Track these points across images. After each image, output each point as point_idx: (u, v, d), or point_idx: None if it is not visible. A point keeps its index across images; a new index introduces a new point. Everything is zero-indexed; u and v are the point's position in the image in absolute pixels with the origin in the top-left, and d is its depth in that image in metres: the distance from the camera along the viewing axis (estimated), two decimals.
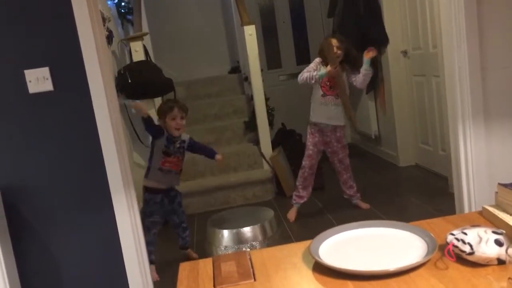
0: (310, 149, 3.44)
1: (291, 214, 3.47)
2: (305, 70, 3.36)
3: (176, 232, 3.06)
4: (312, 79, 3.29)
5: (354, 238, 1.25)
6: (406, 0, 4.10)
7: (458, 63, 2.12)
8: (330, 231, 1.27)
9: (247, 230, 2.71)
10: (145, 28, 4.45)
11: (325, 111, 3.36)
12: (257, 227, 2.74)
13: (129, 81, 3.69)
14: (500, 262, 1.04)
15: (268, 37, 5.79)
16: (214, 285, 1.13)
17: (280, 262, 1.20)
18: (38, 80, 1.91)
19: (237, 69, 5.57)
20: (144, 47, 4.02)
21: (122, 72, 3.75)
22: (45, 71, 1.91)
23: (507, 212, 1.23)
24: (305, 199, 3.49)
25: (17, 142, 1.95)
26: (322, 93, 3.35)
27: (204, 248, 3.02)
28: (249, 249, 2.58)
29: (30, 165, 1.97)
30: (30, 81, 1.91)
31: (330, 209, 3.59)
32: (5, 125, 1.93)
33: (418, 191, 3.73)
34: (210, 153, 3.11)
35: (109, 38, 3.69)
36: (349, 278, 1.06)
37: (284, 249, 1.29)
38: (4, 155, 1.95)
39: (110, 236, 2.02)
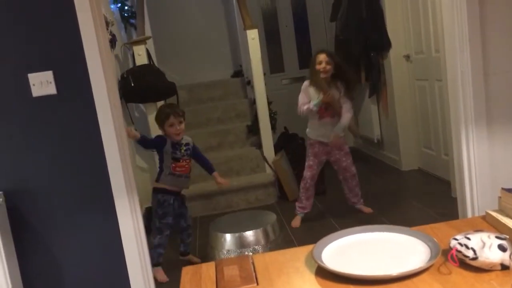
0: (310, 159, 3.43)
1: (295, 222, 3.46)
2: (300, 103, 3.37)
3: (180, 237, 3.07)
4: (312, 111, 3.32)
5: (357, 242, 1.25)
6: (408, 4, 4.10)
7: (460, 68, 2.12)
8: (333, 236, 1.27)
9: (249, 234, 2.71)
10: (148, 32, 4.46)
11: (322, 131, 3.37)
12: (259, 231, 2.73)
13: (132, 84, 3.70)
14: (504, 267, 1.03)
15: (270, 41, 5.80)
16: None
17: (283, 266, 1.20)
18: (42, 83, 1.92)
19: (240, 73, 5.58)
20: (147, 51, 4.03)
21: (125, 75, 3.76)
22: (48, 75, 1.92)
23: (511, 217, 1.22)
24: (309, 210, 3.49)
25: (20, 145, 1.96)
26: (318, 116, 3.34)
27: (206, 252, 3.02)
28: (251, 253, 2.58)
29: (33, 167, 1.97)
30: (33, 85, 1.92)
31: (333, 213, 3.59)
32: (9, 128, 1.94)
33: (421, 196, 3.72)
34: (209, 168, 3.17)
35: (112, 42, 3.70)
36: (351, 282, 1.06)
37: (287, 253, 1.29)
38: (7, 158, 1.96)
39: (113, 239, 2.02)
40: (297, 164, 3.99)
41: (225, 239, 2.73)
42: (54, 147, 1.97)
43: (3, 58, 1.91)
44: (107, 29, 3.38)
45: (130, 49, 4.21)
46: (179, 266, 2.69)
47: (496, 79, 2.12)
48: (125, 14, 4.61)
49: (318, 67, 3.26)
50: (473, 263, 1.05)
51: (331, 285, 1.07)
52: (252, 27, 4.12)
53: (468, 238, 1.08)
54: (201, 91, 5.15)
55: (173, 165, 2.92)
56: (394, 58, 4.31)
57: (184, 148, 2.96)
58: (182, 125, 2.93)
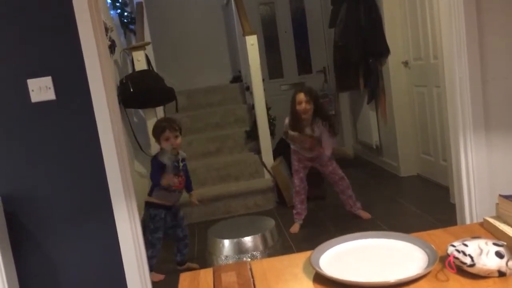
0: (295, 165, 3.49)
1: (294, 228, 3.47)
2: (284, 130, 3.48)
3: (177, 246, 3.06)
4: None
5: (354, 249, 1.25)
6: (407, 10, 4.12)
7: (458, 74, 2.13)
8: (331, 242, 1.27)
9: (248, 240, 2.70)
10: (147, 37, 4.47)
11: (304, 152, 3.43)
12: (258, 237, 2.73)
13: (131, 90, 3.70)
14: (501, 274, 1.03)
15: (269, 47, 5.82)
16: None
17: (281, 273, 1.20)
18: (41, 89, 1.92)
19: (239, 79, 5.59)
20: (146, 56, 4.04)
21: (124, 81, 3.76)
22: (47, 81, 1.92)
23: (508, 224, 1.23)
24: (305, 214, 3.50)
25: (19, 150, 1.96)
26: (295, 148, 3.44)
27: (204, 257, 3.01)
28: (249, 259, 2.58)
29: (32, 172, 1.97)
30: (32, 90, 1.92)
31: (331, 219, 3.58)
32: (8, 133, 1.94)
33: (419, 202, 3.72)
34: (189, 186, 3.16)
35: (112, 47, 3.71)
36: None
37: (285, 259, 1.29)
38: (5, 163, 1.96)
39: (111, 245, 2.02)
40: None
41: (223, 245, 2.72)
42: (53, 152, 1.97)
43: (3, 63, 1.91)
44: (107, 34, 3.39)
45: (129, 55, 4.22)
46: (177, 272, 2.68)
47: (494, 86, 2.13)
48: (125, 20, 4.63)
49: (298, 107, 3.30)
50: (470, 270, 1.05)
51: None
52: (251, 33, 4.13)
53: (466, 245, 1.08)
54: (200, 96, 5.16)
55: None
56: (393, 65, 4.32)
57: (181, 164, 2.98)
58: (179, 139, 2.93)
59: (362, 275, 1.10)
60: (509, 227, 1.21)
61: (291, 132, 3.39)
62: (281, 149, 4.51)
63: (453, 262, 1.07)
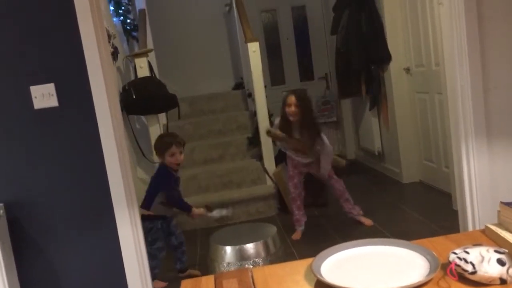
0: (290, 170, 3.50)
1: (296, 235, 3.46)
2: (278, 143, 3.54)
3: (175, 255, 3.05)
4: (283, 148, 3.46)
5: (356, 256, 1.25)
6: (408, 17, 4.13)
7: (460, 82, 2.14)
8: (332, 249, 1.27)
9: (250, 247, 2.69)
10: (150, 44, 4.50)
11: (299, 159, 3.44)
12: (260, 244, 2.72)
13: (134, 97, 3.72)
14: (503, 281, 1.03)
15: (271, 53, 5.84)
16: None
17: (282, 280, 1.20)
18: (44, 96, 1.93)
19: (241, 85, 5.60)
20: (149, 63, 4.06)
21: (126, 88, 3.78)
22: (50, 87, 1.93)
23: (510, 231, 1.22)
24: (304, 219, 3.49)
25: (21, 156, 1.96)
26: (290, 154, 3.45)
27: (206, 264, 3.01)
28: (251, 266, 2.57)
29: (34, 179, 1.98)
30: (35, 97, 1.93)
31: (334, 226, 3.58)
32: (10, 139, 1.95)
33: (421, 208, 3.71)
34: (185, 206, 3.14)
35: (114, 54, 3.73)
36: None
37: (286, 266, 1.29)
38: (8, 170, 1.96)
39: (113, 251, 2.02)
40: None
41: (225, 252, 2.72)
42: (55, 159, 1.97)
43: (6, 70, 1.92)
44: (109, 41, 3.42)
45: (132, 62, 4.24)
46: (178, 279, 2.68)
47: (496, 94, 2.13)
48: (128, 27, 4.66)
49: (287, 109, 3.30)
50: (472, 277, 1.05)
51: None
52: (253, 40, 4.15)
53: (467, 252, 1.08)
54: (202, 103, 5.17)
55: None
56: (395, 71, 4.32)
57: (179, 180, 3.03)
58: (182, 155, 2.94)
59: (363, 283, 1.09)
60: (510, 235, 1.20)
61: (273, 130, 3.39)
62: (283, 156, 4.50)
63: (455, 269, 1.07)
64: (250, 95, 4.97)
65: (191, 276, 3.02)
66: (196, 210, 2.99)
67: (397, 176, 4.57)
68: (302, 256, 2.00)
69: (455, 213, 2.50)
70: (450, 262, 1.08)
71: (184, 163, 3.28)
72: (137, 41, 4.59)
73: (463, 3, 2.05)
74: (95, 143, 1.95)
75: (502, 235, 1.21)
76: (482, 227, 1.36)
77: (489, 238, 1.29)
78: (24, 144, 1.96)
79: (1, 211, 1.91)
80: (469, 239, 1.28)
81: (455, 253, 1.09)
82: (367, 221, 3.50)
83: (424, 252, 1.18)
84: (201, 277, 1.28)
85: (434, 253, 1.16)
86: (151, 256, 2.86)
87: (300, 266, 1.25)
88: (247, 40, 4.17)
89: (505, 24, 2.09)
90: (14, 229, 1.96)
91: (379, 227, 3.41)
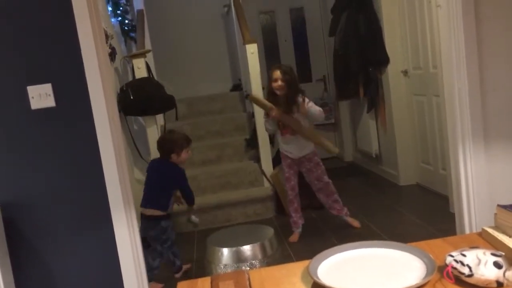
0: (286, 171, 3.48)
1: (293, 237, 3.46)
2: (264, 120, 3.46)
3: (172, 252, 3.04)
4: (269, 129, 3.44)
5: (353, 258, 1.25)
6: (406, 20, 4.14)
7: (457, 84, 2.14)
8: (329, 251, 1.27)
9: (247, 249, 2.69)
10: (148, 45, 4.49)
11: (289, 147, 3.42)
12: (257, 246, 2.72)
13: (131, 97, 3.71)
14: (499, 284, 1.03)
15: (270, 55, 5.84)
16: None
17: (279, 282, 1.20)
18: (41, 96, 1.93)
19: (239, 87, 5.60)
20: (147, 64, 4.05)
21: (124, 88, 3.77)
22: (47, 88, 1.92)
23: (507, 234, 1.23)
24: (301, 222, 3.49)
25: (18, 157, 1.96)
26: (280, 132, 3.41)
27: (203, 266, 3.00)
28: (248, 268, 2.57)
29: (31, 179, 1.97)
30: (32, 97, 1.92)
31: (331, 228, 3.58)
32: (7, 140, 1.94)
33: (419, 211, 3.72)
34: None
35: (112, 55, 3.73)
36: None
37: (283, 268, 1.29)
38: (4, 170, 1.96)
39: (109, 252, 2.01)
40: None
41: (222, 253, 2.72)
42: (52, 159, 1.97)
43: (3, 70, 1.92)
44: (107, 42, 3.41)
45: (129, 62, 4.23)
46: (172, 281, 2.67)
47: (494, 97, 2.13)
48: (125, 28, 4.65)
49: (273, 84, 3.28)
50: (468, 280, 1.05)
51: None
52: (251, 42, 4.15)
53: (464, 255, 1.08)
54: (200, 104, 5.17)
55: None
56: (392, 73, 4.33)
57: None
58: None
59: (360, 285, 1.09)
60: (507, 237, 1.21)
61: (255, 95, 3.37)
62: (281, 158, 4.51)
63: (451, 272, 1.07)
64: (248, 96, 4.98)
65: (186, 272, 3.04)
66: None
67: (394, 179, 4.57)
68: (299, 258, 1.99)
69: (452, 216, 2.50)
70: (446, 265, 1.08)
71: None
72: (135, 42, 4.58)
73: (461, 5, 2.06)
74: (92, 143, 1.95)
75: (499, 238, 1.21)
76: (479, 230, 1.36)
77: (486, 241, 1.29)
78: (21, 145, 1.95)
79: None
80: (466, 242, 1.28)
81: (451, 256, 1.09)
82: (355, 223, 3.50)
83: (421, 255, 1.18)
84: (197, 279, 1.28)
85: (431, 255, 1.16)
86: (159, 255, 2.92)
87: (297, 268, 1.25)
88: (245, 42, 4.17)
89: (503, 27, 2.10)
90: (10, 230, 1.95)
91: (376, 230, 3.41)
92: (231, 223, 3.93)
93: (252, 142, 4.51)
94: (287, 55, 5.90)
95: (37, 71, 1.92)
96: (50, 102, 1.93)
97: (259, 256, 2.71)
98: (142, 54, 4.00)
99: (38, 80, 1.92)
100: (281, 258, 2.84)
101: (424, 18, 3.79)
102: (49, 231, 1.99)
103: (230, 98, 5.36)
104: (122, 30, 4.64)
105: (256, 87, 4.18)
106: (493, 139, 2.14)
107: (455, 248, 1.15)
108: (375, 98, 4.60)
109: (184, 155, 2.98)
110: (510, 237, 1.21)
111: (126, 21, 4.66)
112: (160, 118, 4.32)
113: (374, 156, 4.92)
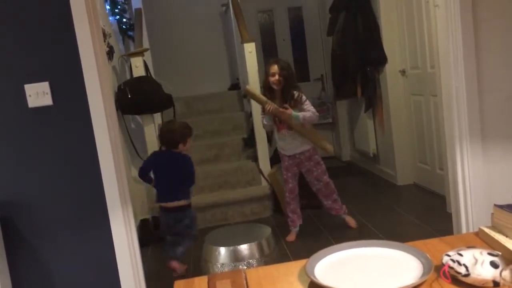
0: (284, 173, 3.48)
1: (291, 237, 3.46)
2: (261, 116, 3.46)
3: (179, 240, 3.09)
4: (266, 126, 3.42)
5: (350, 257, 1.25)
6: (404, 19, 4.14)
7: (455, 84, 2.14)
8: (326, 250, 1.27)
9: (244, 248, 2.69)
10: (145, 44, 4.48)
11: (284, 144, 3.41)
12: (254, 245, 2.72)
13: (129, 96, 3.71)
14: (496, 284, 1.03)
15: (268, 54, 5.84)
16: None
17: (276, 281, 1.20)
18: (38, 94, 1.92)
19: (237, 86, 5.60)
20: (145, 62, 4.05)
21: (122, 87, 3.77)
22: (45, 86, 1.92)
23: (503, 234, 1.23)
24: (299, 222, 3.49)
25: (15, 156, 1.95)
26: (276, 128, 3.39)
27: (200, 265, 3.00)
28: (246, 267, 2.57)
29: (28, 178, 1.96)
30: (30, 96, 1.92)
31: (328, 227, 3.58)
32: (4, 139, 1.94)
33: (416, 210, 3.72)
34: None
35: (110, 53, 3.72)
36: None
37: (280, 267, 1.29)
38: (1, 169, 1.95)
39: (106, 251, 2.00)
40: None
41: (219, 252, 2.72)
42: (49, 158, 1.96)
43: (0, 68, 1.91)
44: (105, 40, 3.40)
45: (127, 61, 4.23)
46: (167, 279, 2.66)
47: (491, 96, 2.13)
48: (123, 26, 4.64)
49: (270, 79, 3.27)
50: (465, 279, 1.05)
51: None
52: (249, 41, 4.15)
53: (461, 255, 1.08)
54: (198, 103, 5.17)
55: None
56: (390, 73, 4.34)
57: None
58: None
59: (357, 284, 1.09)
60: (504, 237, 1.21)
61: (252, 88, 3.34)
62: (278, 157, 4.51)
63: (448, 271, 1.07)
64: (246, 95, 4.97)
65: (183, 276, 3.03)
66: None
67: (391, 178, 4.58)
68: (296, 257, 2.00)
69: (449, 215, 2.51)
70: (443, 264, 1.09)
71: None
72: (133, 40, 4.58)
73: (459, 5, 2.06)
74: (89, 142, 1.94)
75: (495, 237, 1.22)
76: (476, 230, 1.37)
77: (482, 240, 1.29)
78: (18, 143, 1.94)
79: None
80: (462, 242, 1.28)
81: (448, 255, 1.10)
82: (352, 223, 3.50)
83: (418, 254, 1.19)
84: (194, 278, 1.28)
85: (427, 255, 1.16)
86: (195, 237, 3.10)
87: (294, 267, 1.25)
88: (243, 41, 4.17)
89: (501, 26, 2.10)
90: (6, 229, 1.95)
91: (373, 229, 3.41)
92: (229, 222, 3.94)
93: (250, 141, 4.51)
94: (285, 54, 5.90)
95: (35, 69, 1.91)
96: (47, 100, 1.93)
97: (256, 255, 2.71)
98: (140, 53, 3.99)
99: (36, 78, 1.91)
100: (279, 257, 2.84)
101: (422, 17, 3.80)
102: (45, 229, 1.99)
103: (228, 97, 5.36)
104: (120, 28, 4.63)
105: (254, 86, 4.17)
106: (490, 139, 2.14)
107: (452, 248, 1.16)
108: (373, 98, 4.61)
109: (189, 143, 3.04)
110: (507, 237, 1.21)
111: (124, 20, 4.66)
112: (157, 117, 4.32)
113: (371, 155, 4.92)
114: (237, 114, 5.00)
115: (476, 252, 1.08)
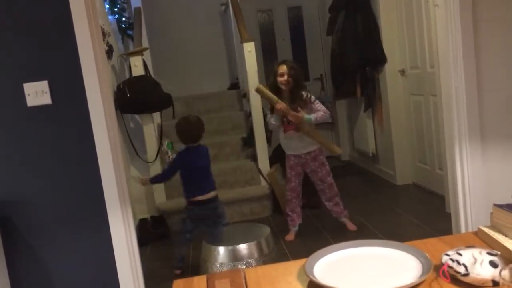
0: (288, 172, 3.47)
1: (290, 236, 3.45)
2: (268, 116, 3.45)
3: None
4: (274, 126, 3.40)
5: (349, 257, 1.25)
6: (404, 19, 4.14)
7: (455, 84, 2.14)
8: (325, 250, 1.27)
9: (243, 247, 2.69)
10: (145, 43, 4.48)
11: (290, 145, 3.40)
12: (253, 244, 2.72)
13: (128, 95, 3.70)
14: (495, 284, 1.03)
15: (267, 54, 5.84)
16: None
17: (275, 280, 1.20)
18: (37, 93, 1.92)
19: (236, 86, 5.60)
20: (144, 62, 4.04)
21: (121, 86, 3.76)
22: (44, 85, 1.91)
23: (502, 233, 1.23)
24: (298, 221, 3.48)
25: (14, 154, 1.95)
26: (283, 129, 3.38)
27: (199, 265, 3.00)
28: (244, 267, 2.57)
29: (27, 178, 1.96)
30: (28, 94, 1.91)
31: (327, 227, 3.58)
32: (3, 137, 1.93)
33: (415, 210, 3.72)
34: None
35: (109, 52, 3.72)
36: None
37: (279, 267, 1.29)
38: (0, 168, 1.94)
39: (105, 251, 2.00)
40: None
41: (218, 252, 2.71)
42: (48, 157, 1.96)
43: None
44: (104, 39, 3.40)
45: (126, 60, 4.22)
46: (166, 278, 2.66)
47: (491, 96, 2.13)
48: (123, 25, 4.64)
49: (279, 79, 3.27)
50: (464, 279, 1.05)
51: None
52: (248, 40, 4.14)
53: (460, 254, 1.08)
54: (198, 103, 5.16)
55: None
56: (390, 73, 4.33)
57: None
58: None
59: (356, 284, 1.09)
60: (503, 237, 1.21)
61: (263, 87, 3.32)
62: (278, 156, 4.50)
63: (447, 271, 1.07)
64: (245, 95, 4.97)
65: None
66: None
67: (391, 178, 4.57)
68: (295, 257, 2.00)
69: (448, 215, 2.51)
70: (442, 264, 1.08)
71: None
72: (132, 39, 4.57)
73: (459, 5, 2.06)
74: (88, 141, 1.94)
75: (494, 237, 1.21)
76: (475, 229, 1.36)
77: (482, 240, 1.29)
78: (17, 142, 1.94)
79: None
80: (461, 241, 1.28)
81: (447, 255, 1.09)
82: (351, 226, 3.48)
83: (417, 254, 1.18)
84: (193, 277, 1.27)
85: (427, 254, 1.16)
86: (227, 224, 3.17)
87: (293, 267, 1.25)
88: (242, 40, 4.17)
89: (500, 26, 2.10)
90: (5, 228, 1.95)
91: (372, 229, 3.41)
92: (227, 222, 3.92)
93: (249, 141, 4.50)
94: (285, 53, 5.90)
95: (34, 68, 1.91)
96: (46, 99, 1.92)
97: (255, 254, 2.71)
98: (139, 52, 3.99)
99: (35, 77, 1.91)
100: (278, 256, 2.84)
101: (422, 17, 3.79)
102: (44, 230, 1.98)
103: (228, 96, 5.36)
104: (119, 27, 4.63)
105: (253, 86, 4.17)
106: (489, 138, 2.14)
107: (451, 247, 1.15)
108: (372, 98, 4.61)
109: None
110: (506, 236, 1.21)
111: (124, 19, 4.65)
112: (156, 116, 4.31)
113: (371, 155, 4.92)
114: (237, 114, 4.99)
115: (475, 251, 1.08)
